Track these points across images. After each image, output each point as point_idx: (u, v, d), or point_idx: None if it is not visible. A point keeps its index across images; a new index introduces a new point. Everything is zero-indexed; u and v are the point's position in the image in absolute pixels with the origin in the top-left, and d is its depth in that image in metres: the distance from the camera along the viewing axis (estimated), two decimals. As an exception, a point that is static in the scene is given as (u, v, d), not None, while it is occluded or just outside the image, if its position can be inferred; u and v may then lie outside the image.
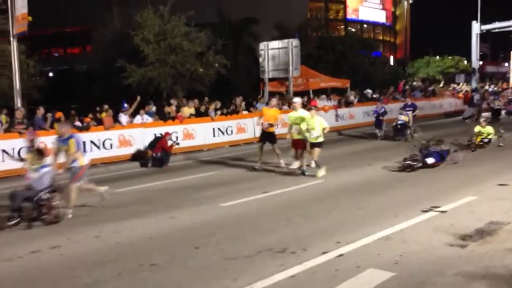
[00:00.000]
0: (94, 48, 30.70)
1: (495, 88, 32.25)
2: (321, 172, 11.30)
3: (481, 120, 15.84)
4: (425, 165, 11.47)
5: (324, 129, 11.44)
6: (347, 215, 8.01)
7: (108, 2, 30.69)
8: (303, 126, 11.51)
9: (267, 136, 12.72)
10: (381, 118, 18.79)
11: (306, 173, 11.54)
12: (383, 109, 19.09)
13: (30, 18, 15.22)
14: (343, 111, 22.49)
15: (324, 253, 6.07)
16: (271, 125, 12.66)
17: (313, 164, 11.60)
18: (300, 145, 11.76)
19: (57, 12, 42.49)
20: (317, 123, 11.40)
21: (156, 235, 7.23)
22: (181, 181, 11.85)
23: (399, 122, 17.75)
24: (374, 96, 25.16)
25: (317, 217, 7.92)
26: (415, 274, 5.36)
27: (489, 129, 15.19)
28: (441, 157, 11.83)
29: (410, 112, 17.89)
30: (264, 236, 6.97)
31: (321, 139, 11.44)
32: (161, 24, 21.44)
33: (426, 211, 7.89)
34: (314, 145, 11.41)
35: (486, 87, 33.95)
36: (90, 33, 30.71)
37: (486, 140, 14.94)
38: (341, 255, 6.02)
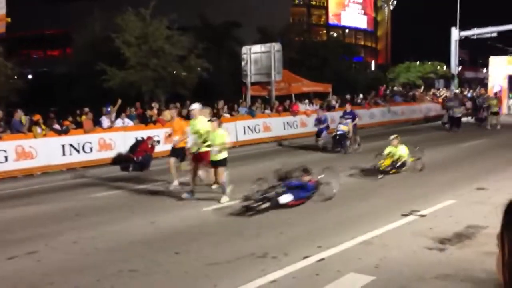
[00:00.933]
0: (75, 50, 30.30)
1: (474, 94, 32.77)
2: (226, 198, 9.32)
3: (392, 137, 12.29)
4: (277, 205, 8.44)
5: (224, 144, 9.46)
6: (328, 219, 8.02)
7: (89, 5, 30.38)
8: (201, 138, 9.65)
9: (177, 151, 10.99)
10: (321, 127, 16.91)
11: (188, 197, 9.63)
12: (324, 117, 17.28)
13: (8, 20, 15.01)
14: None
15: (305, 257, 6.07)
16: (178, 139, 10.95)
17: (214, 186, 9.99)
18: (200, 160, 9.74)
19: (37, 14, 41.92)
20: (217, 137, 9.45)
21: (136, 241, 7.14)
22: (162, 185, 11.74)
23: (338, 132, 15.88)
24: (359, 101, 25.44)
25: (298, 222, 7.92)
26: (395, 278, 5.39)
27: (403, 149, 12.03)
28: (305, 191, 8.93)
29: (349, 121, 16.09)
30: (245, 241, 6.94)
31: (223, 156, 9.47)
32: (142, 27, 21.32)
33: (405, 215, 7.96)
34: (215, 163, 9.46)
35: (465, 92, 34.52)
36: (71, 35, 30.33)
37: (397, 164, 11.67)
38: (322, 259, 6.03)
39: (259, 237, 7.09)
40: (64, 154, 13.86)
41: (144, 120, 16.47)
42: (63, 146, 13.85)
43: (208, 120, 9.94)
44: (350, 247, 6.49)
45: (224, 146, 9.45)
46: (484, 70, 50.13)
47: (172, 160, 10.96)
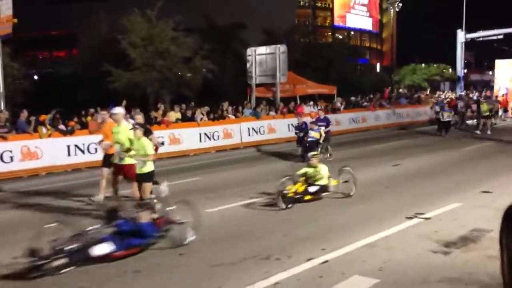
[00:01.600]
0: (80, 51, 30.47)
1: (479, 96, 32.63)
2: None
3: (310, 155, 10.05)
4: (88, 258, 6.03)
5: (147, 156, 8.13)
6: (332, 221, 8.01)
7: (95, 6, 30.52)
8: (123, 147, 8.56)
9: (110, 160, 9.35)
10: (301, 134, 15.88)
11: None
12: (304, 124, 16.02)
13: (15, 21, 15.08)
14: (329, 117, 22.54)
15: (309, 260, 6.06)
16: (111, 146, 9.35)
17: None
18: (121, 173, 8.67)
19: (43, 15, 42.13)
20: (141, 147, 8.20)
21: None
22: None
23: (309, 139, 14.91)
24: (366, 103, 25.41)
25: (302, 223, 7.91)
26: (399, 281, 5.37)
27: (321, 169, 9.62)
28: (141, 236, 6.56)
29: (322, 128, 15.22)
30: (249, 242, 6.94)
31: (148, 169, 8.20)
32: (148, 28, 21.41)
33: (410, 218, 7.93)
34: (140, 177, 8.25)
35: (471, 95, 34.38)
36: (76, 36, 30.49)
37: (313, 189, 9.29)
38: (326, 261, 6.02)
39: (262, 239, 7.08)
40: (69, 155, 13.93)
41: (148, 121, 16.50)
42: (68, 146, 13.91)
43: (130, 129, 8.54)
44: (354, 249, 6.47)
45: (148, 158, 8.15)
46: (490, 72, 49.99)
47: (105, 170, 9.67)
